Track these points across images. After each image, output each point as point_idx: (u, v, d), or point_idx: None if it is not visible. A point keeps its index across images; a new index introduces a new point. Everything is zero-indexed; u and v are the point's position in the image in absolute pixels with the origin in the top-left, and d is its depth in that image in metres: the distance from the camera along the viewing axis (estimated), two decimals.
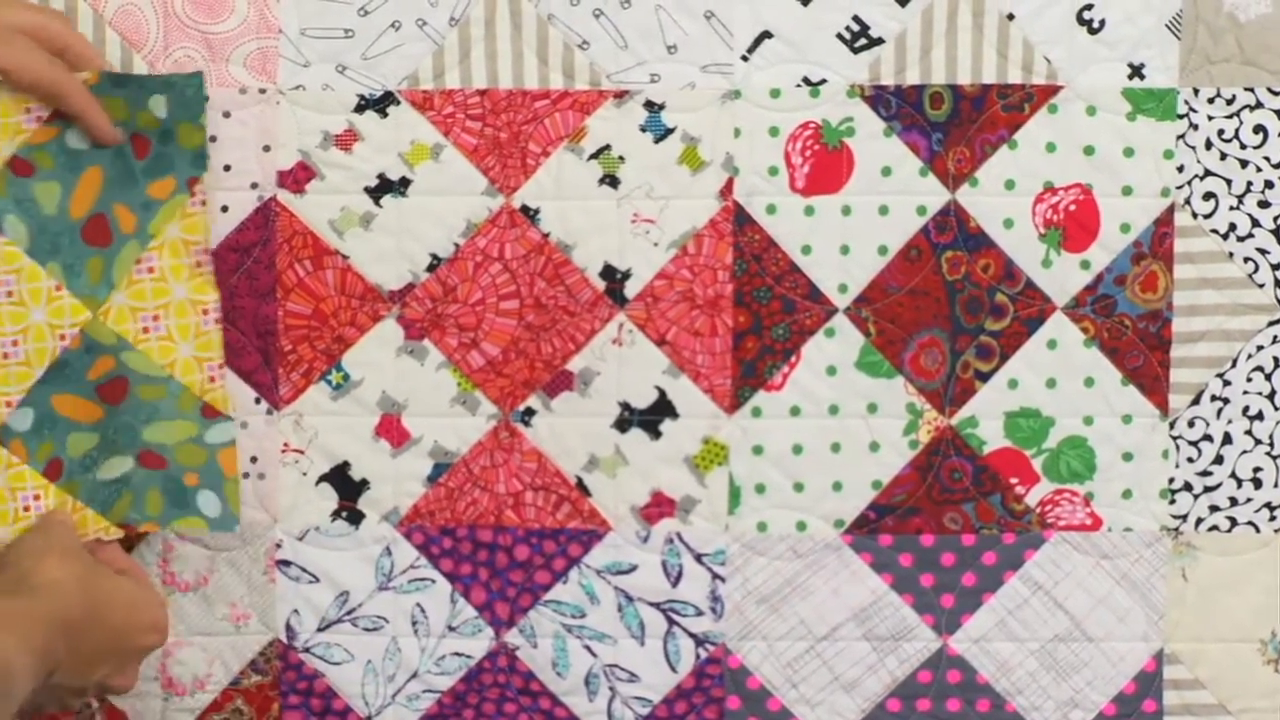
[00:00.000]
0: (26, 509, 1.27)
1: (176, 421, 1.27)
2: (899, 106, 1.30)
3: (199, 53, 1.30)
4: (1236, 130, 1.29)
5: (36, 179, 1.25)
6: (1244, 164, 1.30)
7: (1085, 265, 1.31)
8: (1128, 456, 1.31)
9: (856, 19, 1.30)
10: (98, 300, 1.26)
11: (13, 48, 1.22)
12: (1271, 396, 1.30)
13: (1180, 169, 1.30)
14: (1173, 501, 1.31)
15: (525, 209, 1.31)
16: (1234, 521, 1.31)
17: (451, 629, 1.32)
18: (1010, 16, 1.30)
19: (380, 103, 1.30)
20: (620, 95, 1.30)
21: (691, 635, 1.32)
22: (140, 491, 1.26)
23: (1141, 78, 1.29)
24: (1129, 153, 1.29)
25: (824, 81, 1.30)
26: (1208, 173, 1.30)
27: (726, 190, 1.30)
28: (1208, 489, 1.31)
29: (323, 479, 1.32)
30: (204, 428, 1.27)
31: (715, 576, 1.31)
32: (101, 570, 1.22)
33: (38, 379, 1.26)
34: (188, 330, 1.27)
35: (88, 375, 1.26)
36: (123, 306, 1.27)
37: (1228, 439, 1.31)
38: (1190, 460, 1.31)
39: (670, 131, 1.30)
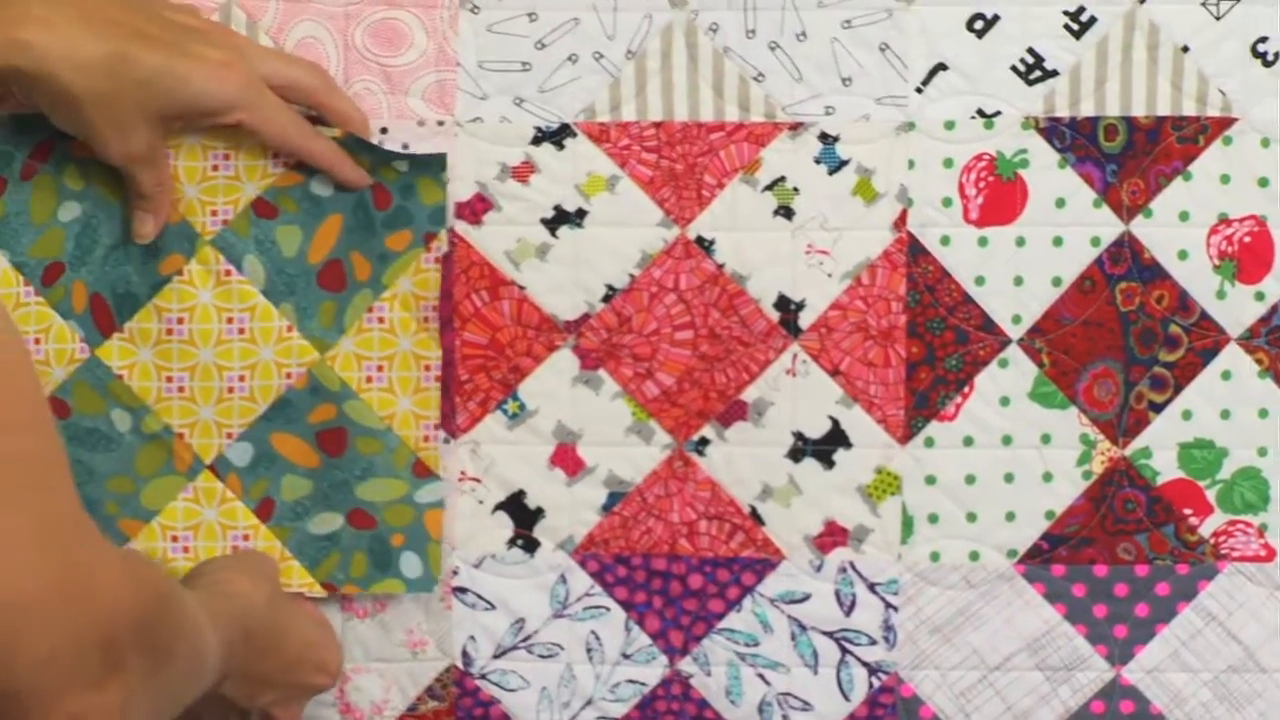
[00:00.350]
0: (235, 549, 1.29)
1: (389, 480, 1.29)
2: (1073, 138, 1.31)
3: (378, 85, 1.32)
4: None
5: (279, 222, 1.28)
6: None
7: (1260, 297, 1.31)
8: None
9: (1031, 51, 1.32)
10: (327, 344, 1.29)
11: (261, 106, 1.25)
12: None
13: None
14: None
15: (700, 240, 1.32)
16: None
17: (626, 656, 1.33)
18: (1185, 49, 1.31)
19: (557, 135, 1.32)
20: (795, 127, 1.32)
21: (865, 664, 1.32)
22: (348, 553, 1.29)
23: None
24: None
25: (998, 113, 1.32)
26: None
27: (900, 221, 1.32)
28: None
29: (499, 507, 1.33)
30: (415, 487, 1.30)
31: (888, 606, 1.32)
32: (290, 602, 1.25)
33: (260, 414, 1.29)
34: (409, 384, 1.30)
35: (309, 418, 1.29)
36: (350, 353, 1.29)
37: None
38: None
39: (845, 163, 1.32)
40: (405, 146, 1.33)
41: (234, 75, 1.24)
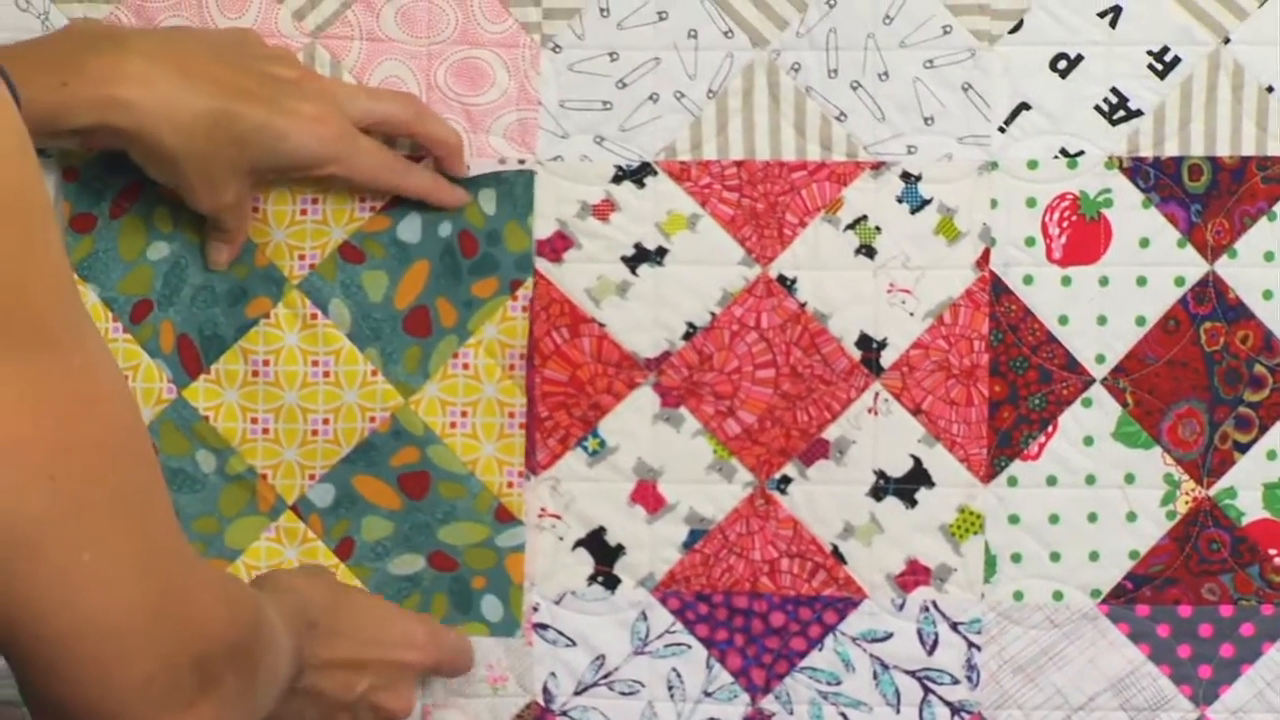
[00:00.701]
0: None
1: (471, 523, 1.30)
2: (1157, 178, 1.31)
3: (460, 124, 1.33)
4: None
5: (365, 267, 1.30)
6: None
7: None
8: None
9: (1115, 91, 1.32)
10: (411, 388, 1.30)
11: (353, 157, 1.27)
12: None
13: None
14: None
15: (782, 279, 1.33)
16: None
17: (707, 694, 1.33)
18: (1270, 89, 1.31)
19: (638, 173, 1.33)
20: (877, 166, 1.32)
21: (947, 704, 1.33)
22: (428, 594, 1.30)
23: None
24: None
25: (1082, 153, 1.32)
26: None
27: (983, 260, 1.32)
28: None
29: (579, 544, 1.34)
30: (496, 531, 1.31)
31: (971, 645, 1.32)
32: (353, 589, 1.26)
33: (343, 457, 1.30)
34: (492, 430, 1.30)
35: (391, 461, 1.30)
36: (434, 398, 1.30)
37: None
38: None
39: (927, 202, 1.32)
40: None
41: (327, 130, 1.25)
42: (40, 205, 0.89)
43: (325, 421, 1.31)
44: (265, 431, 1.31)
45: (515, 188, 1.32)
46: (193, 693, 0.95)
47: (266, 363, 1.31)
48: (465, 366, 1.32)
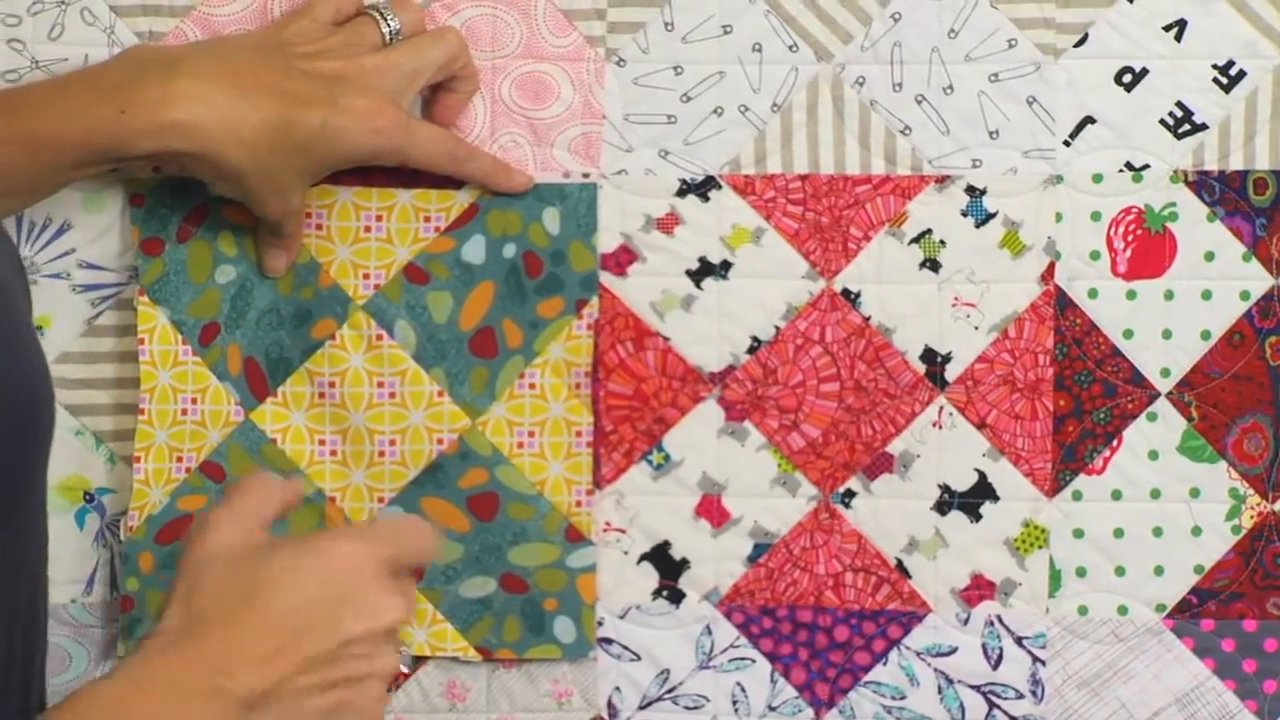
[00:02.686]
0: None
1: (541, 544, 1.32)
2: (1222, 192, 1.33)
3: (524, 138, 1.35)
4: None
5: (430, 288, 1.32)
6: None
7: None
8: None
9: (1180, 105, 1.33)
10: (478, 410, 1.32)
11: (411, 145, 1.29)
12: None
13: None
14: None
15: (846, 292, 1.34)
16: None
17: (772, 709, 1.36)
18: None
19: (702, 187, 1.35)
20: (942, 180, 1.34)
21: (1012, 718, 1.35)
22: (500, 617, 1.32)
23: None
24: None
25: (1147, 167, 1.34)
26: None
27: (1048, 274, 1.34)
28: None
29: (644, 558, 1.36)
30: (566, 552, 1.33)
31: (1036, 659, 1.35)
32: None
33: (411, 479, 1.32)
34: (560, 450, 1.33)
35: (459, 483, 1.32)
36: (501, 419, 1.32)
37: None
38: None
39: (992, 216, 1.34)
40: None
41: (384, 121, 1.27)
42: None
43: (392, 443, 1.33)
44: (333, 454, 1.34)
45: (579, 206, 1.33)
46: None
47: (332, 384, 1.33)
48: (532, 386, 1.34)
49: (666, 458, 1.37)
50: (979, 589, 1.36)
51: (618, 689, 1.37)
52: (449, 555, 1.35)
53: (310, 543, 1.07)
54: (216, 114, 1.22)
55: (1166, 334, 1.35)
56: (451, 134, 1.33)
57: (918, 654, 1.36)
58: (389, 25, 1.31)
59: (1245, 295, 1.35)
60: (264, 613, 1.03)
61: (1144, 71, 1.35)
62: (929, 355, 1.36)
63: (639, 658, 1.37)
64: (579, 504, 1.35)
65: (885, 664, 1.37)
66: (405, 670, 1.36)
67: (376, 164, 1.31)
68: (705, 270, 1.36)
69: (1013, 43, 1.34)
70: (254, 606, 1.03)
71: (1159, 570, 1.36)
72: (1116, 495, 1.36)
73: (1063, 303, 1.35)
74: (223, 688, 1.00)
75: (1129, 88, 1.35)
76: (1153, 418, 1.35)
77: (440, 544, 1.22)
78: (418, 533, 1.11)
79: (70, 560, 1.36)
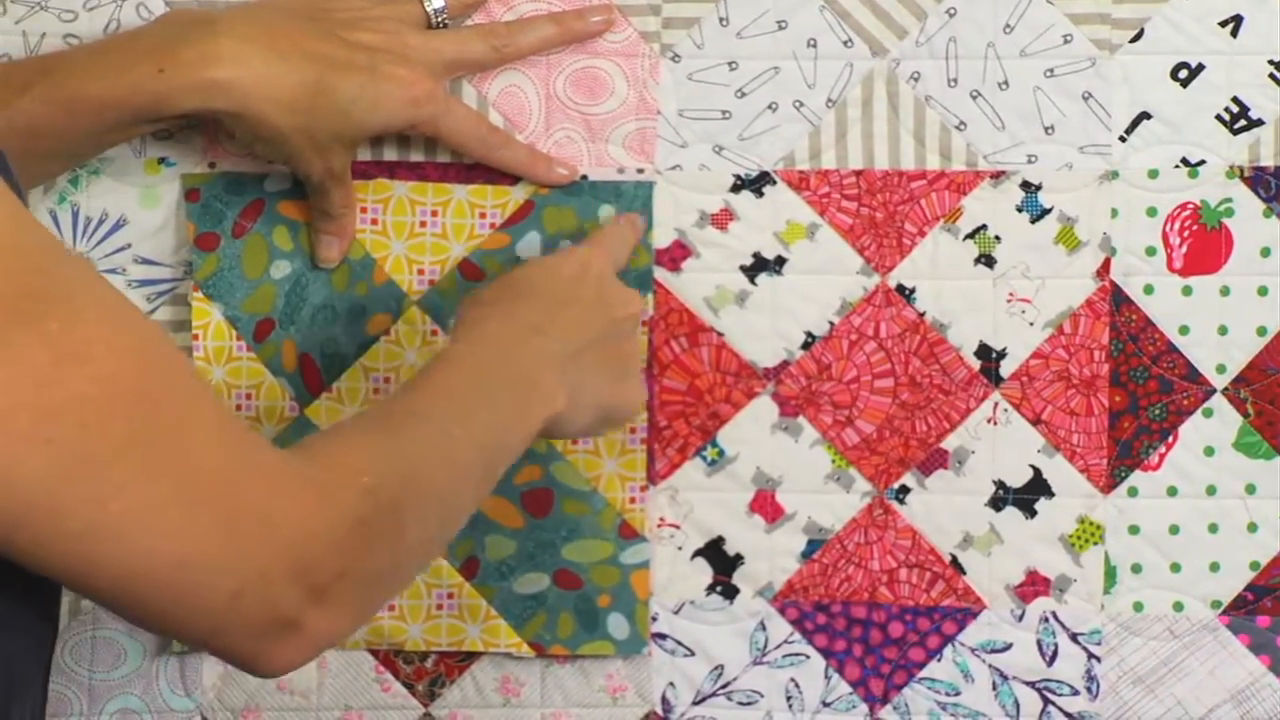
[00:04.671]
0: (440, 607, 1.34)
1: (595, 540, 1.34)
2: (1278, 187, 1.34)
3: (579, 133, 1.36)
4: None
5: (485, 284, 1.33)
6: None
7: None
8: None
9: (1236, 100, 1.35)
10: None
11: (448, 116, 1.31)
12: None
13: None
14: None
15: (901, 288, 1.36)
16: None
17: (826, 705, 1.37)
18: None
19: (756, 183, 1.36)
20: (997, 175, 1.35)
21: (1067, 715, 1.36)
22: (554, 613, 1.34)
23: None
24: None
25: (1203, 162, 1.35)
26: None
27: (1103, 270, 1.35)
28: None
29: (698, 553, 1.38)
30: (620, 548, 1.34)
31: (1091, 656, 1.36)
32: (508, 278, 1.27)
33: None
34: (614, 446, 1.34)
35: (514, 479, 1.34)
36: None
37: None
38: None
39: (1047, 212, 1.35)
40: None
41: (421, 91, 1.30)
42: None
43: None
44: None
45: (634, 204, 1.35)
46: (302, 599, 0.98)
47: (387, 380, 1.35)
48: None
49: (721, 453, 1.38)
50: (1034, 585, 1.38)
51: (671, 684, 1.39)
52: (503, 551, 1.36)
53: (552, 254, 1.29)
54: (254, 73, 1.24)
55: (1222, 330, 1.36)
56: (486, 119, 1.35)
57: (972, 650, 1.38)
58: (434, 4, 1.32)
59: None
60: (547, 293, 1.22)
61: (1200, 67, 1.36)
62: (984, 351, 1.37)
63: (693, 653, 1.39)
64: (633, 500, 1.36)
65: (940, 660, 1.38)
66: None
67: (414, 134, 1.33)
68: (760, 266, 1.38)
69: (1068, 38, 1.36)
70: (535, 290, 1.22)
71: (1214, 567, 1.37)
72: (1172, 491, 1.37)
73: (1118, 298, 1.36)
74: (544, 344, 1.18)
75: (1185, 83, 1.36)
76: (1208, 414, 1.37)
77: (634, 234, 1.34)
78: (622, 237, 1.32)
79: None
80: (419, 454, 1.08)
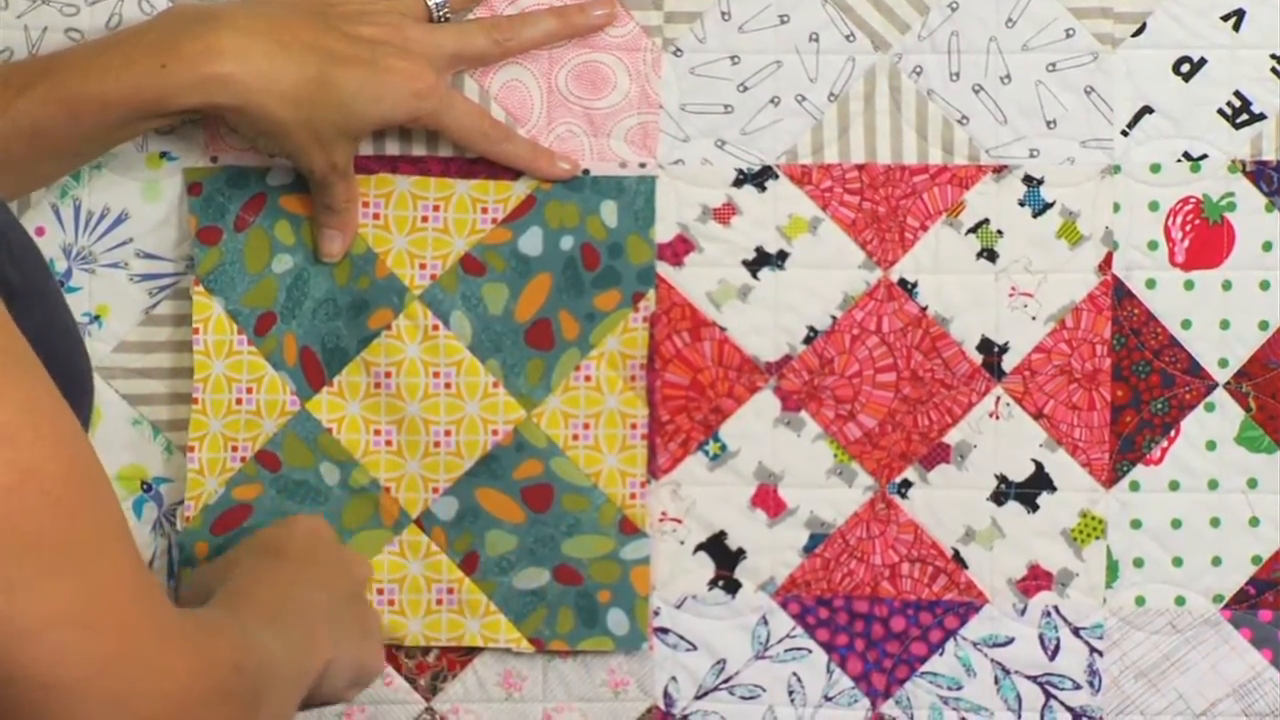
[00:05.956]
0: (439, 602, 1.35)
1: (595, 536, 1.35)
2: None
3: (580, 128, 1.37)
4: None
5: (486, 279, 1.34)
6: None
7: None
8: None
9: (1238, 94, 1.36)
10: (533, 401, 1.35)
11: (449, 110, 1.32)
12: None
13: None
14: None
15: (903, 282, 1.37)
16: None
17: (828, 699, 1.38)
18: None
19: (759, 177, 1.37)
20: (999, 170, 1.36)
21: (1069, 709, 1.37)
22: (554, 608, 1.35)
23: None
24: None
25: (1205, 157, 1.36)
26: None
27: (1105, 264, 1.36)
28: None
29: (700, 548, 1.39)
30: (620, 543, 1.35)
31: (1093, 650, 1.37)
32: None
33: (466, 470, 1.34)
34: (615, 442, 1.35)
35: (514, 474, 1.34)
36: (556, 411, 1.35)
37: None
38: None
39: (1049, 206, 1.36)
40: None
41: (422, 84, 1.31)
42: None
43: (447, 433, 1.35)
44: (388, 444, 1.36)
45: (637, 199, 1.36)
46: None
47: (388, 374, 1.35)
48: (587, 379, 1.36)
49: (723, 448, 1.39)
50: (1036, 579, 1.38)
51: (674, 679, 1.40)
52: (503, 546, 1.37)
53: (278, 523, 1.33)
54: (256, 68, 1.25)
55: (1224, 324, 1.37)
56: (488, 113, 1.36)
57: (974, 644, 1.39)
58: None
59: None
60: (295, 555, 1.27)
61: (1202, 61, 1.37)
62: (986, 345, 1.38)
63: (695, 648, 1.40)
64: (633, 496, 1.37)
65: (942, 654, 1.39)
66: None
67: (416, 127, 1.34)
68: (762, 260, 1.38)
69: (1070, 32, 1.37)
70: (283, 552, 1.27)
71: (1216, 561, 1.38)
72: (1174, 486, 1.38)
73: (1120, 293, 1.37)
74: (309, 590, 1.21)
75: (1187, 77, 1.37)
76: (1210, 408, 1.37)
77: None
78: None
79: None
80: (270, 652, 1.08)
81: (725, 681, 1.40)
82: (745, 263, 1.39)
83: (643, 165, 1.38)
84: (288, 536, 1.25)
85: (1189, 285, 1.37)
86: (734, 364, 1.39)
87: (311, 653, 1.13)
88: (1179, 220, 1.37)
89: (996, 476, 1.38)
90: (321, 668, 1.14)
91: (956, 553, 1.39)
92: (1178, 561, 1.38)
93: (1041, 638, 1.39)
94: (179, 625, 0.98)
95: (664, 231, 1.38)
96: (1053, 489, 1.38)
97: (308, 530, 1.27)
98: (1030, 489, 1.38)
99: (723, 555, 1.40)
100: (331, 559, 1.25)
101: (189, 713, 0.96)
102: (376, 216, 1.37)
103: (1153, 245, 1.37)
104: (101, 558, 0.93)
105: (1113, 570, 1.38)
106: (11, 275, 1.04)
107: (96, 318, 1.38)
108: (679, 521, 1.39)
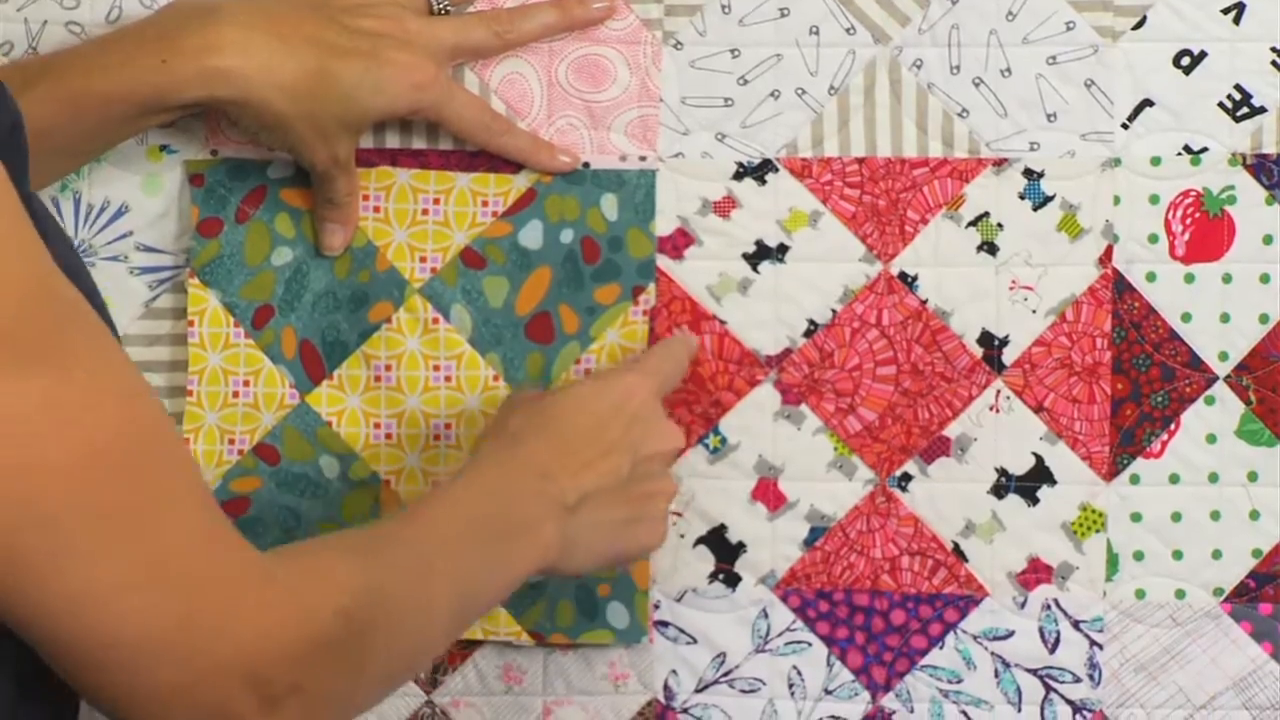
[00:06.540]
0: None
1: None
2: None
3: (581, 120, 1.37)
4: None
5: (486, 273, 1.34)
6: None
7: None
8: None
9: (1238, 87, 1.36)
10: None
11: (450, 102, 1.33)
12: None
13: None
14: None
15: (903, 275, 1.37)
16: None
17: (828, 692, 1.39)
18: None
19: (759, 170, 1.37)
20: (999, 163, 1.37)
21: (1069, 702, 1.38)
22: (553, 601, 1.35)
23: None
24: None
25: (1205, 150, 1.36)
26: None
27: (1106, 257, 1.36)
28: None
29: (700, 541, 1.39)
30: None
31: (1093, 643, 1.37)
32: (549, 395, 1.28)
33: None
34: None
35: None
36: None
37: None
38: None
39: (1049, 199, 1.36)
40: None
41: (423, 76, 1.31)
42: None
43: (447, 426, 1.36)
44: (388, 437, 1.36)
45: (637, 193, 1.36)
46: (253, 705, 0.96)
47: (389, 367, 1.36)
48: (587, 372, 1.37)
49: (723, 441, 1.39)
50: (1036, 573, 1.39)
51: (674, 672, 1.40)
52: None
53: (597, 377, 1.27)
54: (256, 61, 1.25)
55: (1225, 317, 1.37)
56: (489, 106, 1.36)
57: (974, 638, 1.39)
58: None
59: None
60: (570, 431, 1.20)
61: (1202, 54, 1.37)
62: (986, 338, 1.38)
63: (695, 641, 1.40)
64: None
65: (942, 648, 1.39)
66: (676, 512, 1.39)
67: (417, 119, 1.35)
68: (762, 254, 1.39)
69: (1071, 25, 1.37)
70: (561, 426, 1.20)
71: (1217, 554, 1.38)
72: (1174, 479, 1.38)
73: (1121, 286, 1.37)
74: (547, 489, 1.17)
75: (1187, 70, 1.37)
76: (1210, 401, 1.38)
77: (688, 355, 1.34)
78: (676, 359, 1.32)
79: None
80: (398, 587, 1.07)
81: (725, 675, 1.40)
82: (745, 256, 1.39)
83: (643, 158, 1.39)
84: (574, 410, 1.22)
85: (1189, 278, 1.38)
86: (734, 357, 1.39)
87: (518, 560, 1.15)
88: (1179, 213, 1.37)
89: (997, 470, 1.39)
90: (543, 567, 1.17)
91: (956, 546, 1.39)
92: (1178, 555, 1.38)
93: (1041, 631, 1.39)
94: (262, 575, 0.98)
95: (664, 225, 1.39)
96: (1053, 482, 1.38)
97: (616, 398, 1.23)
98: (1030, 482, 1.38)
99: (723, 548, 1.40)
100: (613, 437, 1.22)
101: (278, 663, 0.97)
102: (377, 210, 1.37)
103: (1153, 238, 1.37)
104: (172, 517, 0.95)
105: (1113, 563, 1.38)
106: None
107: None
108: (679, 514, 1.40)
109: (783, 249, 1.38)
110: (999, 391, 1.38)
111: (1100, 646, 1.39)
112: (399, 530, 1.09)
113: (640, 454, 1.23)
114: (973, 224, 1.38)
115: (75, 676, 0.95)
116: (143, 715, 0.96)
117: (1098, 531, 1.38)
